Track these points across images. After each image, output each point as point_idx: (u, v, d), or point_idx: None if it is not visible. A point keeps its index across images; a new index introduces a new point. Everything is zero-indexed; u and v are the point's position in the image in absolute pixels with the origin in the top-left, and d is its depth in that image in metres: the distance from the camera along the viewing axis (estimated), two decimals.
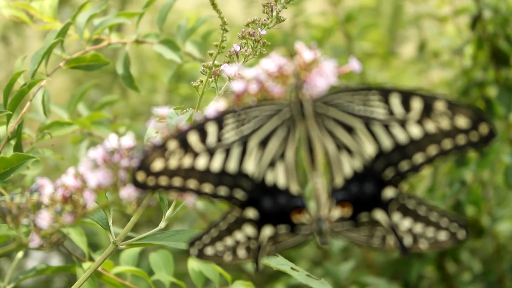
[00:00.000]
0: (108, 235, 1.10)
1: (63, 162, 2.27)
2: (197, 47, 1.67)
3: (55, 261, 2.87)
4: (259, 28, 1.16)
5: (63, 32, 1.37)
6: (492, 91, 2.77)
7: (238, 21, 3.94)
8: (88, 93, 2.28)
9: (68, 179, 0.82)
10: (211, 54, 1.12)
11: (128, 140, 0.81)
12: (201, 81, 1.12)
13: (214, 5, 1.07)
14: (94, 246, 2.01)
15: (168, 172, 0.75)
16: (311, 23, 3.08)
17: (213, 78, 1.08)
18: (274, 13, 1.20)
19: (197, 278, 1.50)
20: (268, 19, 1.19)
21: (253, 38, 1.15)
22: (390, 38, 3.78)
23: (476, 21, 2.75)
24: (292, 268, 1.03)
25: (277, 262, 1.07)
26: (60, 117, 1.59)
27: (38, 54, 1.33)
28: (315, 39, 2.84)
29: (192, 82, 1.13)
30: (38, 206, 0.84)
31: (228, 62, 1.14)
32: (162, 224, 1.15)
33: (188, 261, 1.53)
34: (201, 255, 0.80)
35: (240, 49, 1.12)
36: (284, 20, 1.22)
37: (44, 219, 0.80)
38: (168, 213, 1.14)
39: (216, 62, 1.13)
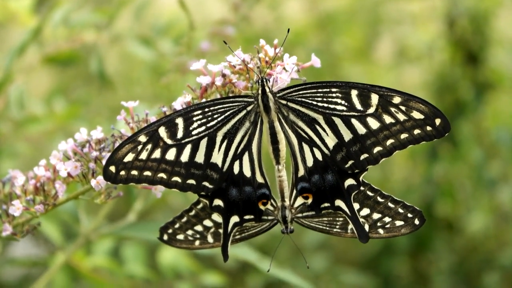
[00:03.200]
0: (79, 226, 1.13)
1: (40, 156, 2.29)
2: (173, 45, 1.70)
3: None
4: (229, 27, 1.19)
5: (37, 30, 1.39)
6: (465, 90, 2.82)
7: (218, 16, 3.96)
8: (72, 91, 2.29)
9: (40, 170, 0.84)
10: (180, 53, 1.15)
11: (98, 133, 0.84)
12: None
13: (182, 6, 1.09)
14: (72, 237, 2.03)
15: (138, 165, 0.77)
16: (290, 22, 3.11)
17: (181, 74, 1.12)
18: (241, 12, 1.23)
19: (168, 269, 1.53)
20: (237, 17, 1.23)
21: (221, 35, 1.19)
22: (367, 35, 3.82)
23: (451, 23, 2.81)
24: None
25: (244, 253, 1.11)
26: (36, 113, 1.61)
27: (13, 51, 1.35)
28: (293, 39, 2.87)
29: (162, 79, 1.16)
30: (10, 196, 0.86)
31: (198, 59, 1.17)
32: (131, 217, 1.18)
33: (160, 254, 1.56)
34: (171, 241, 0.84)
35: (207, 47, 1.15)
36: (248, 19, 1.25)
37: (17, 208, 0.82)
38: (138, 206, 1.16)
39: (184, 59, 1.17)
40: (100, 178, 0.81)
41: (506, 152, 2.75)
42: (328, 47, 3.12)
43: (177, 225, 0.84)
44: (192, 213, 0.83)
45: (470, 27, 2.82)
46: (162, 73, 2.76)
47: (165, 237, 0.84)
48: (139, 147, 0.78)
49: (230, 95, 0.80)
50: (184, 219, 0.84)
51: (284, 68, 0.80)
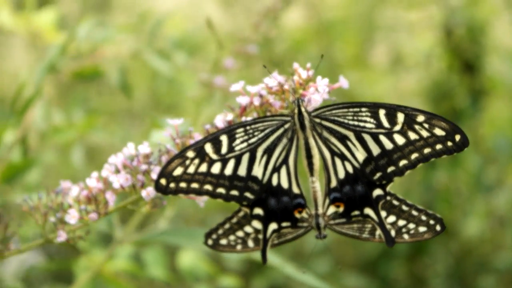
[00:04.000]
0: (114, 232, 1.21)
1: (62, 165, 2.37)
2: (186, 57, 1.78)
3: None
4: (251, 45, 1.28)
5: (64, 48, 1.48)
6: (462, 98, 2.91)
7: (216, 21, 4.05)
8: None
9: (91, 181, 0.93)
10: (210, 71, 1.24)
11: (145, 148, 0.93)
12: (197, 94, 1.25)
13: (210, 27, 1.18)
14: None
15: (187, 177, 0.86)
16: (290, 32, 3.21)
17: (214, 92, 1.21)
18: (262, 30, 1.33)
19: (188, 273, 1.62)
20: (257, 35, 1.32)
21: (242, 53, 1.28)
22: (363, 42, 3.91)
23: (448, 32, 2.91)
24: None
25: (271, 259, 1.20)
26: (59, 123, 1.69)
27: (43, 67, 1.44)
28: (293, 47, 2.96)
29: (189, 94, 1.25)
30: (61, 206, 0.95)
31: (219, 75, 1.26)
32: (162, 223, 1.27)
33: (179, 258, 1.65)
34: (215, 246, 0.93)
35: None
36: (270, 37, 1.34)
37: (72, 217, 0.91)
38: (169, 213, 1.26)
39: (209, 75, 1.26)
40: (150, 189, 0.89)
41: (502, 158, 2.83)
42: (327, 55, 3.21)
43: (220, 231, 0.93)
44: (234, 220, 0.93)
45: (467, 36, 2.91)
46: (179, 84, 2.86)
47: (210, 242, 0.93)
48: (187, 162, 0.86)
49: (268, 114, 0.89)
50: (227, 226, 0.93)
51: (316, 89, 0.89)
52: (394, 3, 3.41)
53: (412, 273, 3.09)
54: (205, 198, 0.91)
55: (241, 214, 0.93)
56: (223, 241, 0.93)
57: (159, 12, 4.38)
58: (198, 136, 0.91)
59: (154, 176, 0.90)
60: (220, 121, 0.91)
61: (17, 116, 1.39)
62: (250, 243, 0.93)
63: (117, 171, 0.92)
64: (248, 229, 0.93)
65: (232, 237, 0.93)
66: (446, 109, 2.95)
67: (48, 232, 0.95)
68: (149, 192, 0.90)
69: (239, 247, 0.93)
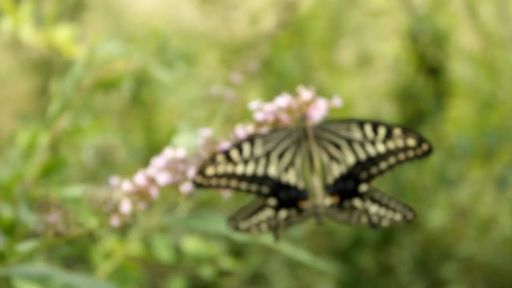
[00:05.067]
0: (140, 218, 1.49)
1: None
2: (187, 66, 2.05)
3: None
4: (252, 63, 1.57)
5: (87, 62, 1.75)
6: (426, 99, 3.20)
7: (197, 27, 4.31)
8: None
9: (139, 178, 1.21)
10: (219, 86, 1.52)
11: (181, 152, 1.21)
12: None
13: (228, 51, 1.45)
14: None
15: (217, 176, 1.15)
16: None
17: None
18: (262, 50, 1.61)
19: (191, 256, 1.91)
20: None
21: (247, 69, 1.57)
22: (332, 39, 4.19)
23: (412, 37, 3.20)
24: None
25: (270, 240, 1.49)
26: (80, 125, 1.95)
27: (70, 80, 1.70)
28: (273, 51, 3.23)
29: (206, 106, 1.54)
30: (111, 198, 1.23)
31: (220, 88, 1.55)
32: (185, 209, 1.55)
33: (184, 243, 1.93)
34: (236, 228, 1.22)
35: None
36: (270, 57, 1.62)
37: (126, 206, 1.19)
38: (186, 204, 1.54)
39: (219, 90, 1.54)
40: (187, 184, 1.18)
41: (463, 155, 3.12)
42: (301, 58, 3.50)
43: (240, 217, 1.21)
44: (251, 208, 1.21)
45: (431, 42, 3.21)
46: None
47: (231, 225, 1.22)
48: (217, 164, 1.15)
49: (279, 127, 1.18)
50: (245, 213, 1.21)
51: (316, 108, 1.18)
52: (362, 9, 3.70)
53: (380, 261, 3.37)
54: (229, 192, 1.19)
55: (257, 203, 1.21)
56: (242, 226, 1.22)
57: (137, 13, 4.62)
58: (224, 144, 1.19)
59: (190, 174, 1.18)
60: (240, 131, 1.19)
61: (50, 123, 1.66)
62: (264, 227, 1.22)
63: (160, 171, 1.20)
64: (262, 216, 1.21)
65: (249, 222, 1.22)
66: (412, 110, 3.25)
67: (102, 218, 1.23)
68: (186, 187, 1.18)
69: (255, 229, 1.22)
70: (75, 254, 1.89)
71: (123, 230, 1.23)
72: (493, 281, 3.47)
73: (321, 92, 3.41)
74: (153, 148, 2.77)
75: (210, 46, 3.61)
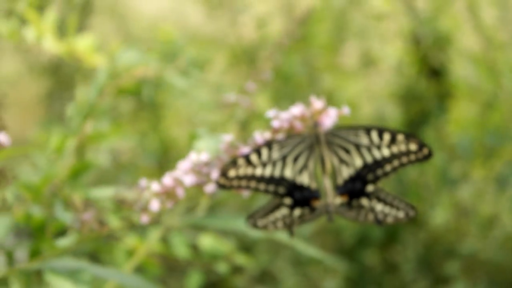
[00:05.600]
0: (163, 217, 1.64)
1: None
2: (199, 72, 2.19)
3: None
4: (265, 72, 1.72)
5: (108, 70, 1.89)
6: (429, 101, 3.34)
7: (203, 31, 4.45)
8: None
9: (166, 179, 1.36)
10: (235, 93, 1.67)
11: (205, 156, 1.35)
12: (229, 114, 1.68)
13: (240, 60, 1.60)
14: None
15: (238, 177, 1.29)
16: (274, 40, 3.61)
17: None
18: (275, 60, 1.76)
19: (207, 252, 2.05)
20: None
21: (260, 79, 1.72)
22: (336, 42, 4.32)
23: (415, 39, 3.33)
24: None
25: (284, 238, 1.64)
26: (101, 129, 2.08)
27: (94, 87, 1.85)
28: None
29: (222, 111, 1.68)
30: (140, 198, 1.37)
31: (236, 96, 1.69)
32: (203, 210, 1.70)
33: (200, 240, 2.08)
34: (255, 225, 1.36)
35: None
36: (281, 65, 1.77)
37: (155, 205, 1.34)
38: (205, 204, 1.69)
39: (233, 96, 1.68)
40: (210, 185, 1.32)
41: (465, 155, 3.26)
42: (306, 61, 3.64)
43: (258, 215, 1.36)
44: (268, 207, 1.36)
45: (433, 45, 3.35)
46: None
47: (250, 223, 1.36)
48: (238, 167, 1.30)
49: (294, 134, 1.33)
50: (263, 211, 1.36)
51: (328, 116, 1.33)
52: (365, 12, 3.84)
53: (385, 259, 3.51)
54: (248, 191, 1.34)
55: (273, 203, 1.36)
56: (260, 223, 1.36)
57: (143, 17, 4.75)
58: (244, 148, 1.34)
59: (213, 176, 1.33)
60: (258, 136, 1.34)
61: (77, 128, 1.81)
62: (280, 224, 1.37)
63: (186, 173, 1.35)
64: (278, 214, 1.36)
65: (266, 220, 1.36)
66: (415, 111, 3.39)
67: (132, 216, 1.37)
68: (210, 188, 1.33)
69: (271, 226, 1.37)
70: (99, 251, 2.04)
71: (149, 227, 1.37)
72: (495, 278, 3.61)
73: (326, 94, 3.55)
74: (165, 152, 2.91)
75: (218, 50, 3.75)
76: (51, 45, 2.10)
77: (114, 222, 1.40)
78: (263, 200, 3.09)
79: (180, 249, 2.02)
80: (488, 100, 3.60)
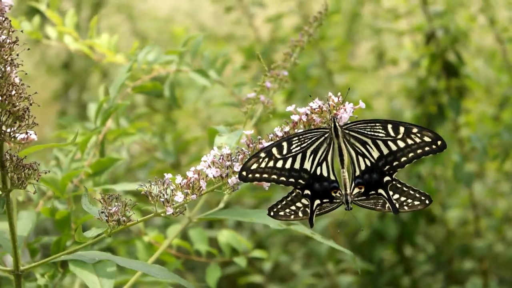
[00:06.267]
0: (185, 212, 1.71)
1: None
2: (217, 73, 2.26)
3: None
4: (284, 71, 1.79)
5: (130, 69, 1.97)
6: (443, 98, 3.41)
7: (210, 26, 4.53)
8: None
9: (190, 173, 1.44)
10: (255, 91, 1.75)
11: (226, 150, 1.43)
12: (247, 108, 1.76)
13: (260, 60, 1.68)
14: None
15: (260, 170, 1.37)
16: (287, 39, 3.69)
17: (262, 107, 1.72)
18: (292, 59, 1.84)
19: (226, 247, 2.13)
20: (286, 62, 1.83)
21: (278, 77, 1.79)
22: (350, 43, 4.40)
23: (429, 38, 3.41)
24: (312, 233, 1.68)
25: (302, 229, 1.72)
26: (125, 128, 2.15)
27: (116, 85, 1.93)
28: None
29: (240, 109, 1.76)
30: (165, 191, 1.45)
31: (256, 92, 1.77)
32: (221, 205, 1.78)
33: (219, 235, 2.16)
34: (276, 216, 1.44)
35: (270, 84, 1.77)
36: (298, 64, 1.85)
37: (179, 197, 1.42)
38: (226, 197, 1.76)
39: (252, 95, 1.76)
40: (233, 178, 1.40)
41: (480, 152, 3.31)
42: (322, 60, 3.71)
43: (279, 206, 1.44)
44: (289, 198, 1.44)
45: (448, 43, 3.41)
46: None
47: (272, 213, 1.45)
48: (260, 160, 1.37)
49: (313, 127, 1.41)
50: (284, 202, 1.44)
51: (345, 110, 1.40)
52: (382, 14, 3.91)
53: (400, 256, 3.57)
54: (268, 184, 1.42)
55: (294, 194, 1.44)
56: (281, 213, 1.45)
57: (159, 13, 4.82)
58: (264, 142, 1.42)
59: (235, 169, 1.40)
60: (277, 131, 1.42)
61: (100, 125, 1.89)
62: (300, 214, 1.45)
63: (209, 166, 1.43)
64: (299, 204, 1.44)
65: (287, 210, 1.45)
66: (431, 107, 3.46)
67: (157, 208, 1.45)
68: (232, 180, 1.40)
69: (292, 216, 1.45)
70: (117, 245, 2.12)
71: (170, 222, 1.45)
72: (508, 275, 3.67)
73: (341, 92, 3.60)
74: (180, 152, 2.99)
75: (234, 49, 3.83)
76: (72, 43, 2.19)
77: (137, 215, 1.47)
78: (276, 196, 3.17)
79: (200, 244, 2.10)
80: (504, 95, 3.66)
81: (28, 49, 1.38)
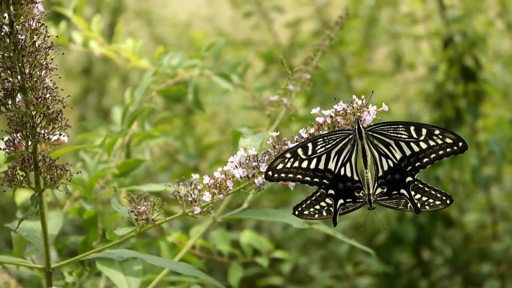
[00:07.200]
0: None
1: None
2: (239, 77, 2.32)
3: None
4: (306, 74, 1.84)
5: (155, 73, 2.03)
6: (461, 103, 3.44)
7: (228, 31, 4.58)
8: None
9: (217, 173, 1.49)
10: (279, 94, 1.80)
11: (253, 151, 1.48)
12: (271, 111, 1.81)
13: (283, 64, 1.73)
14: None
15: (285, 170, 1.42)
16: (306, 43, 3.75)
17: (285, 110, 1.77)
18: (314, 63, 1.88)
19: (248, 247, 2.18)
20: (309, 66, 1.87)
21: (301, 80, 1.84)
22: (367, 48, 4.45)
23: (447, 42, 3.44)
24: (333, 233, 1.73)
25: (324, 228, 1.77)
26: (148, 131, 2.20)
27: (142, 88, 1.98)
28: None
29: (265, 111, 1.81)
30: (193, 190, 1.50)
31: (279, 95, 1.82)
32: (245, 205, 1.83)
33: (240, 236, 2.21)
34: (300, 215, 1.49)
35: (293, 87, 1.82)
36: (320, 68, 1.90)
37: (207, 197, 1.46)
38: (249, 197, 1.81)
39: (276, 98, 1.81)
40: (259, 178, 1.45)
41: (498, 156, 3.34)
42: (341, 64, 3.76)
43: (304, 205, 1.49)
44: (313, 198, 1.49)
45: (466, 47, 3.45)
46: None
47: (297, 212, 1.50)
48: (286, 160, 1.42)
49: (337, 129, 1.46)
50: (308, 202, 1.49)
51: (368, 112, 1.45)
52: (399, 19, 3.95)
53: (418, 258, 3.60)
54: (294, 183, 1.47)
55: (318, 194, 1.49)
56: (306, 212, 1.50)
57: (178, 18, 4.87)
58: (290, 144, 1.47)
59: (262, 169, 1.45)
60: (302, 133, 1.47)
61: (127, 127, 1.95)
62: (324, 213, 1.50)
63: (236, 167, 1.48)
64: (323, 203, 1.49)
65: (312, 209, 1.50)
66: (448, 111, 3.49)
67: (185, 208, 1.50)
68: (258, 180, 1.45)
69: (316, 215, 1.50)
70: (144, 245, 2.17)
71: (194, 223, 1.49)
72: None
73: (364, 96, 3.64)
74: (200, 156, 3.05)
75: (254, 54, 3.88)
76: (98, 48, 2.24)
77: (162, 216, 1.51)
78: (295, 199, 3.22)
79: (222, 244, 2.15)
80: None
81: (63, 53, 1.43)
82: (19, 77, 1.38)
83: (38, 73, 1.39)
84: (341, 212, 1.49)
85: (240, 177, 1.47)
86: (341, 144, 1.45)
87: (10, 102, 1.40)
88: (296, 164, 1.44)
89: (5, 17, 1.35)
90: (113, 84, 5.07)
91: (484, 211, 3.69)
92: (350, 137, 1.45)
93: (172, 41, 4.75)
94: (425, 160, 1.45)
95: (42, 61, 1.39)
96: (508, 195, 3.82)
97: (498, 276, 3.53)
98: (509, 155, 3.28)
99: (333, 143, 1.45)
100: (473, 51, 3.45)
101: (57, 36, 1.33)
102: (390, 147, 1.46)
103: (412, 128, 1.44)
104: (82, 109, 5.17)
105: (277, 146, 1.47)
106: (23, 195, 2.06)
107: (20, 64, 1.37)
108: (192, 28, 4.91)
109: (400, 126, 1.45)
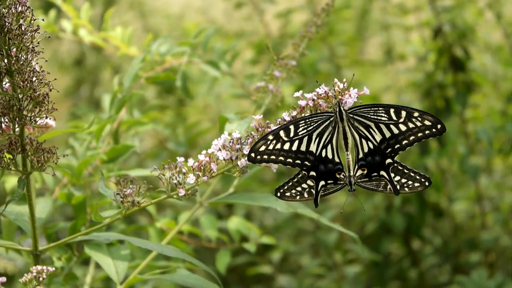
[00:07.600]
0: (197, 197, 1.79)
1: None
2: (227, 65, 2.35)
3: None
4: (292, 61, 1.87)
5: (144, 59, 2.05)
6: (450, 92, 3.47)
7: (221, 23, 4.61)
8: None
9: (201, 156, 1.52)
10: (265, 80, 1.82)
11: (236, 134, 1.51)
12: (257, 96, 1.84)
13: (269, 50, 1.76)
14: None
15: (268, 152, 1.45)
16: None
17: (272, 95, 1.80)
18: (300, 49, 1.91)
19: (236, 233, 2.21)
20: (296, 52, 1.90)
21: (287, 66, 1.87)
22: (359, 39, 4.47)
23: (437, 33, 3.47)
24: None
25: (309, 213, 1.80)
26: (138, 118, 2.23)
27: (130, 74, 2.01)
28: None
29: (251, 97, 1.84)
30: (179, 172, 1.52)
31: (265, 81, 1.85)
32: (231, 189, 1.86)
33: (228, 222, 2.24)
34: (282, 196, 1.52)
35: (279, 74, 1.84)
36: (306, 55, 1.92)
37: (191, 179, 1.49)
38: (235, 182, 1.85)
39: (262, 84, 1.84)
40: (243, 160, 1.48)
41: (486, 145, 3.37)
42: (331, 54, 3.79)
43: (286, 187, 1.52)
44: (295, 180, 1.52)
45: (455, 37, 3.48)
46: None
47: (278, 194, 1.53)
48: (268, 142, 1.45)
49: (319, 111, 1.49)
50: (290, 184, 1.52)
51: (350, 95, 1.48)
52: (390, 9, 3.98)
53: (406, 247, 3.64)
54: (277, 166, 1.50)
55: (300, 175, 1.52)
56: (287, 194, 1.53)
57: (171, 10, 4.89)
58: (273, 127, 1.49)
59: (245, 152, 1.48)
60: (285, 116, 1.50)
61: (115, 114, 1.97)
62: (306, 195, 1.53)
63: (220, 149, 1.51)
64: (304, 185, 1.52)
65: (293, 191, 1.52)
66: (437, 100, 3.52)
67: (170, 191, 1.52)
68: (242, 162, 1.48)
69: (298, 197, 1.53)
70: (132, 230, 2.20)
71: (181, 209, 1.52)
72: None
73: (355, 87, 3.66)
74: (190, 144, 3.07)
75: (244, 43, 3.91)
76: (87, 36, 2.27)
77: (149, 198, 1.54)
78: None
79: (210, 230, 2.18)
80: (511, 90, 3.72)
81: (49, 36, 1.46)
82: (5, 60, 1.40)
83: (24, 56, 1.41)
84: (322, 193, 1.52)
85: (224, 159, 1.50)
86: (322, 126, 1.48)
87: None
88: (278, 146, 1.46)
89: None
90: (105, 75, 5.09)
91: (474, 201, 3.72)
92: (331, 119, 1.48)
93: (165, 32, 4.76)
94: (404, 142, 1.48)
95: (28, 44, 1.41)
96: (498, 185, 3.85)
97: (487, 265, 3.56)
98: (497, 144, 3.31)
99: (314, 125, 1.48)
100: (462, 41, 3.48)
101: (43, 20, 1.35)
102: (371, 129, 1.49)
103: (392, 110, 1.47)
104: (75, 100, 5.18)
105: (260, 129, 1.50)
106: (12, 181, 2.09)
107: (6, 47, 1.39)
108: (185, 19, 4.92)
109: (380, 108, 1.48)
